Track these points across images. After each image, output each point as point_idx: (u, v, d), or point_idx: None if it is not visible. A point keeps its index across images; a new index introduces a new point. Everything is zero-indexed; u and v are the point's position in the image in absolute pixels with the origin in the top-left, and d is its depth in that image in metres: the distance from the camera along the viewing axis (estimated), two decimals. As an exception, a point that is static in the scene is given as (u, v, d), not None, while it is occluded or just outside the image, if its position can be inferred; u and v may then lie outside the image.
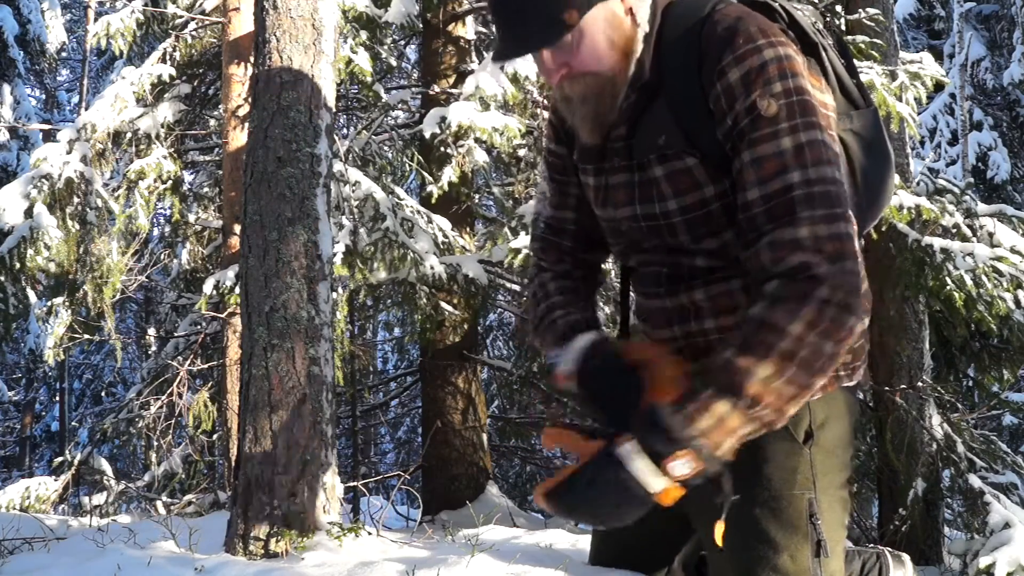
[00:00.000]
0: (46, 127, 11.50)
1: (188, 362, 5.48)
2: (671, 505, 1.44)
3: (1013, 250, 4.21)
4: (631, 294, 1.63)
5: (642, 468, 1.26)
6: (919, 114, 5.80)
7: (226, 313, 4.86)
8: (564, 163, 1.61)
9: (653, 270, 1.48)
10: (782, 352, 1.24)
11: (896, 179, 3.96)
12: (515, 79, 4.33)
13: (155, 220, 6.77)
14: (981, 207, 4.47)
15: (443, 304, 5.10)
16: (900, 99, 4.23)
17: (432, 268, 4.54)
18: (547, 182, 1.66)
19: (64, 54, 16.94)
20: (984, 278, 4.02)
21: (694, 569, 1.69)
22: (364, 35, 5.08)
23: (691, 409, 1.25)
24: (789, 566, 1.39)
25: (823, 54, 1.44)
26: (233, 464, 2.91)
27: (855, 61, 1.58)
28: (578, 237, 1.63)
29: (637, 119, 1.42)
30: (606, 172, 1.48)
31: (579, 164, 1.57)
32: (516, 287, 5.30)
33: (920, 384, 4.30)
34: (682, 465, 1.25)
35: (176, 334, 6.32)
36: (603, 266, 1.71)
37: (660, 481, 1.26)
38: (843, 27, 4.54)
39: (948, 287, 4.04)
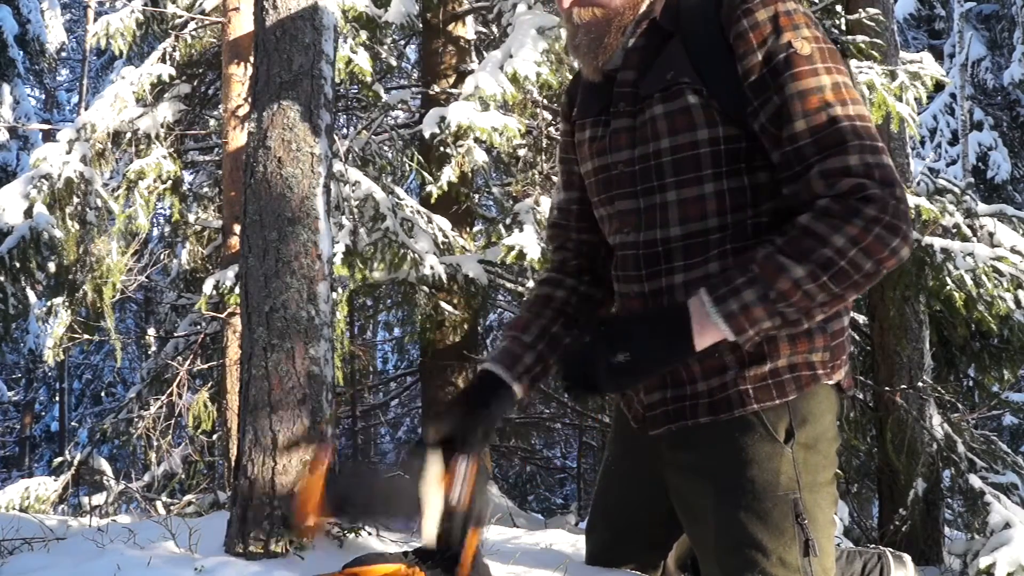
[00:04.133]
0: (46, 127, 11.50)
1: (188, 362, 5.48)
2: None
3: (1013, 250, 4.21)
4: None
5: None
6: (919, 114, 5.79)
7: (226, 313, 4.86)
8: (571, 141, 1.66)
9: (631, 253, 1.50)
10: (820, 259, 1.29)
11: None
12: (515, 79, 4.32)
13: (155, 220, 6.77)
14: (981, 207, 4.47)
15: (443, 304, 5.10)
16: (900, 99, 4.23)
17: (432, 268, 4.54)
18: (560, 165, 1.73)
19: (64, 54, 16.94)
20: (984, 278, 4.02)
21: (690, 568, 1.70)
22: (364, 35, 5.08)
23: (723, 291, 1.32)
24: (779, 570, 1.39)
25: None
26: (233, 464, 2.91)
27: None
28: (581, 216, 1.68)
29: (648, 65, 1.46)
30: (610, 118, 1.52)
31: (577, 120, 1.61)
32: (516, 287, 5.30)
33: (920, 384, 4.29)
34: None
35: (176, 334, 6.32)
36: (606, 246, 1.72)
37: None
38: (843, 27, 4.54)
39: (948, 287, 4.04)
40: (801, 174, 1.34)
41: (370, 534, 1.98)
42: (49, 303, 5.35)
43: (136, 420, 5.64)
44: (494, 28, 6.22)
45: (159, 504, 5.04)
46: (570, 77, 4.40)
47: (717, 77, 1.39)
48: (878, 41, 4.37)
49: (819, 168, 1.32)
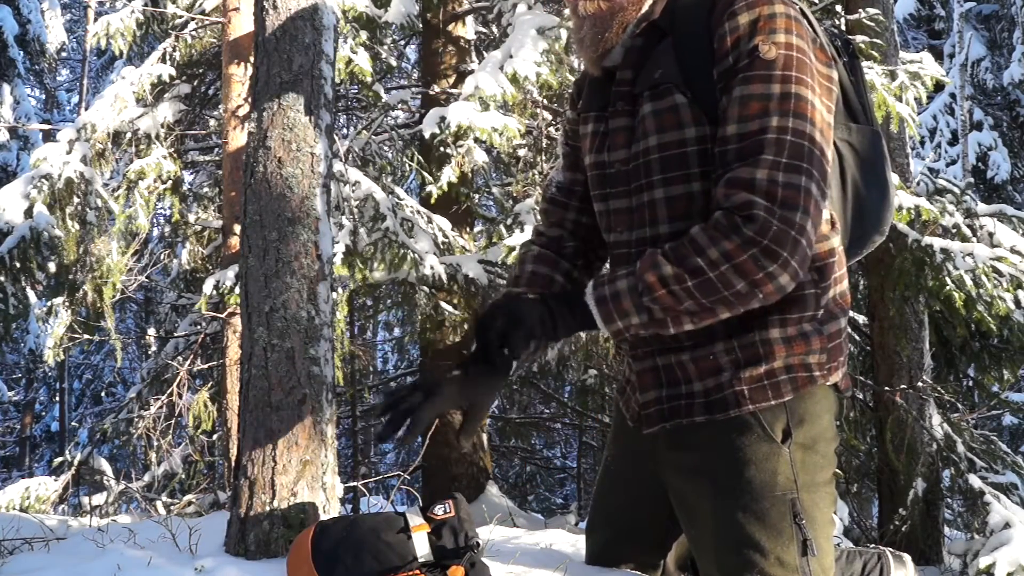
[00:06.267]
0: (46, 127, 11.50)
1: (188, 362, 5.49)
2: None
3: (1013, 250, 4.21)
4: None
5: None
6: (919, 114, 5.80)
7: (226, 313, 4.86)
8: (577, 129, 1.67)
9: (623, 252, 1.51)
10: (690, 266, 1.32)
11: (896, 180, 3.96)
12: (514, 79, 4.32)
13: (155, 220, 6.77)
14: (981, 207, 4.48)
15: (443, 304, 5.10)
16: (900, 99, 4.23)
17: (432, 268, 4.54)
18: (563, 147, 1.74)
19: (64, 54, 16.95)
20: (984, 278, 4.02)
21: (690, 568, 1.70)
22: (364, 35, 5.08)
23: (602, 278, 1.40)
24: (777, 570, 1.39)
25: (833, 64, 1.47)
26: (233, 464, 2.91)
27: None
28: (584, 199, 1.68)
29: (643, 64, 1.48)
30: (608, 117, 1.53)
31: (581, 114, 1.63)
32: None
33: (920, 384, 4.30)
34: None
35: (176, 334, 6.32)
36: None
37: None
38: (843, 27, 4.54)
39: (948, 287, 4.04)
40: (720, 177, 1.35)
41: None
42: (49, 303, 5.35)
43: (136, 420, 5.64)
44: (494, 28, 6.22)
45: (159, 504, 5.04)
46: (570, 77, 4.41)
47: (701, 80, 1.40)
48: (878, 41, 4.37)
49: (730, 175, 1.33)
